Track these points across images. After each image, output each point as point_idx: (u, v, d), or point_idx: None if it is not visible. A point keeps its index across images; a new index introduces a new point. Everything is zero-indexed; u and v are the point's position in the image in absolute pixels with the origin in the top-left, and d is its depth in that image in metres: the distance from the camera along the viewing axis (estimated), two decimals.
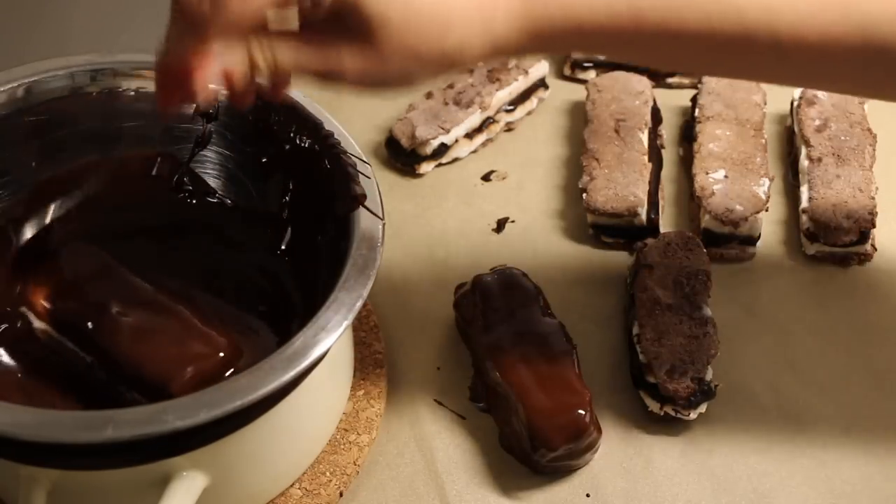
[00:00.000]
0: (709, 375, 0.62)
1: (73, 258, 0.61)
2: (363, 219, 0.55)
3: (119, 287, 0.59)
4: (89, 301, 0.58)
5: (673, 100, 0.82)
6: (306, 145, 0.60)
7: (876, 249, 0.72)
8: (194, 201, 0.65)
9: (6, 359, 0.57)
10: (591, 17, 0.49)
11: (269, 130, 0.61)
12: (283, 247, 0.62)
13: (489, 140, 0.80)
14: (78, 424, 0.47)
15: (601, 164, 0.73)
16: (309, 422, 0.58)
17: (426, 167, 0.78)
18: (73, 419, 0.47)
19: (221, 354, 0.56)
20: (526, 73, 0.80)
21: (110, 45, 0.84)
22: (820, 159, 0.73)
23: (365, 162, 0.58)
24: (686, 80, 0.83)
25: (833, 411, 0.64)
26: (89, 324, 0.57)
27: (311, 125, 0.59)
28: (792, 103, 0.79)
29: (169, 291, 0.59)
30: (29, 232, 0.62)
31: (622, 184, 0.72)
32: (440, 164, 0.78)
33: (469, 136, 0.78)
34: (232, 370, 0.56)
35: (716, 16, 0.49)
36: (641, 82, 0.79)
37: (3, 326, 0.58)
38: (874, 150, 0.74)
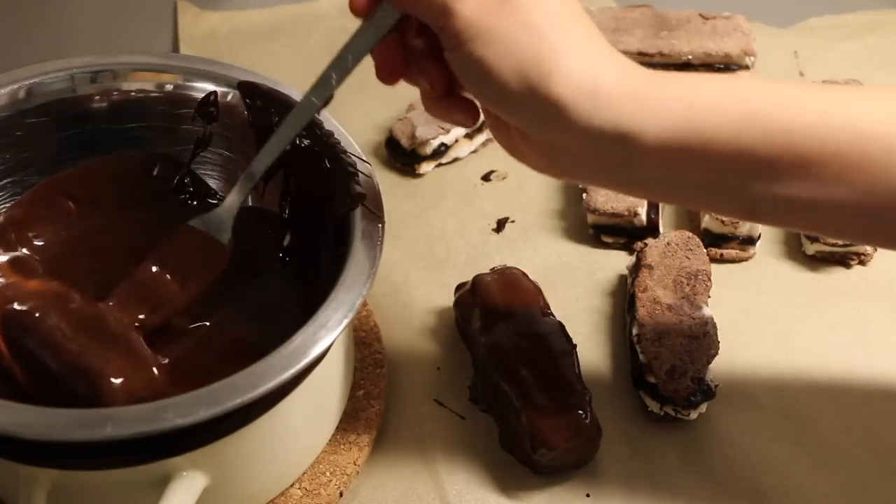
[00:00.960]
0: (709, 375, 0.62)
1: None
2: (363, 218, 0.55)
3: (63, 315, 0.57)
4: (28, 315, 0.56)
5: None
6: (306, 145, 0.60)
7: (876, 249, 0.72)
8: (195, 202, 0.65)
9: None
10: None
11: (269, 131, 0.61)
12: (283, 247, 0.62)
13: (489, 140, 0.80)
14: (77, 423, 0.47)
15: None
16: (309, 421, 0.58)
17: (426, 167, 0.78)
18: (72, 417, 0.47)
19: (151, 374, 0.55)
20: None
21: (110, 47, 0.84)
22: None
23: (365, 162, 0.58)
24: None
25: (833, 411, 0.64)
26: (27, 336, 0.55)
27: (310, 125, 0.59)
28: None
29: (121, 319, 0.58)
30: (29, 233, 0.62)
31: None
32: (440, 164, 0.78)
33: (469, 136, 0.78)
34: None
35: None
36: None
37: None
38: None
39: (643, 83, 0.47)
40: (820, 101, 0.47)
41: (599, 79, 0.46)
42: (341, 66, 0.52)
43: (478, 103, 0.52)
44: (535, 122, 0.48)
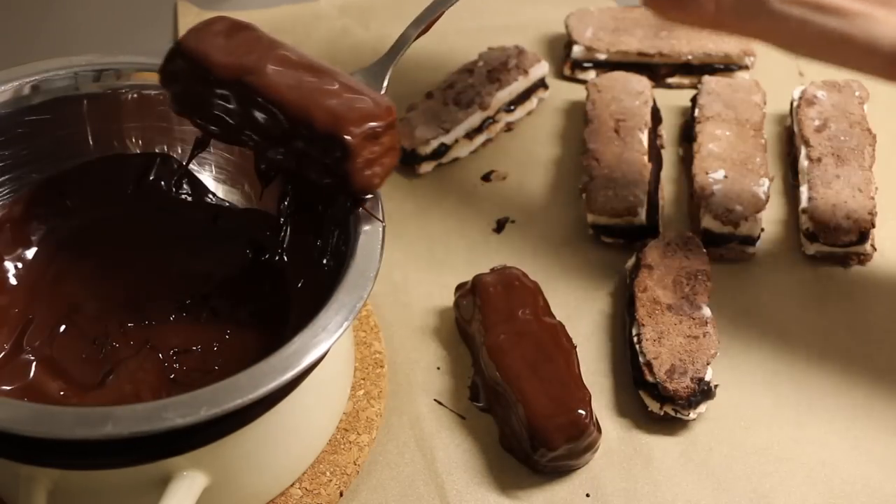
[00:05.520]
0: (709, 375, 0.63)
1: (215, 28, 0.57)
2: (363, 220, 0.55)
3: (274, 51, 0.56)
4: (245, 61, 0.55)
5: (673, 100, 0.82)
6: None
7: (876, 249, 0.72)
8: (193, 203, 0.65)
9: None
10: None
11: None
12: (283, 248, 0.62)
13: (489, 140, 0.80)
14: (77, 421, 0.47)
15: (601, 164, 0.73)
16: (309, 422, 0.58)
17: (426, 167, 0.78)
18: (72, 415, 0.47)
19: (387, 107, 0.55)
20: (526, 73, 0.80)
21: (111, 47, 0.84)
22: (819, 159, 0.73)
23: None
24: (686, 81, 0.83)
25: (833, 411, 0.64)
26: (248, 78, 0.55)
27: None
28: (792, 103, 0.79)
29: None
30: (27, 231, 0.62)
31: (622, 184, 0.72)
32: (440, 164, 0.78)
33: (469, 136, 0.78)
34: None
35: None
36: (641, 82, 0.79)
37: None
38: (874, 150, 0.74)
39: None
40: None
41: None
42: None
43: None
44: None
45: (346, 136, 0.53)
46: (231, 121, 0.56)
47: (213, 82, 0.56)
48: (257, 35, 0.57)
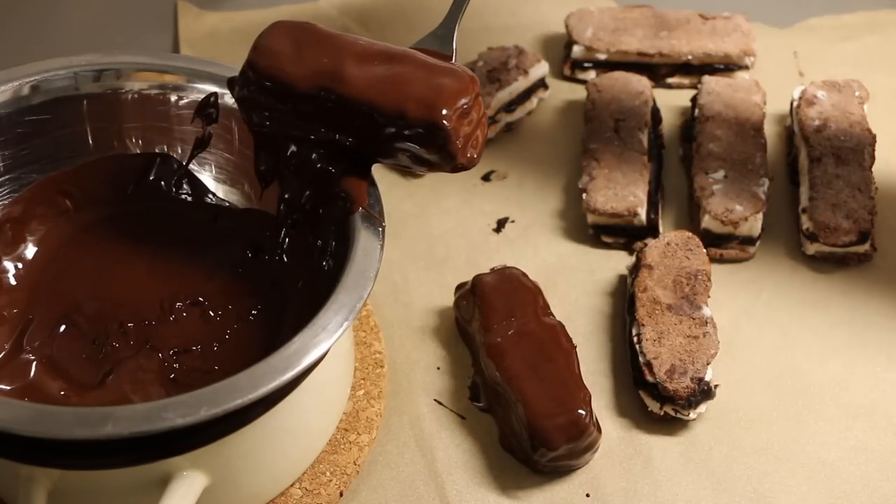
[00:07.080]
0: (709, 375, 0.63)
1: (280, 34, 0.57)
2: (363, 220, 0.55)
3: (343, 48, 0.56)
4: (321, 67, 0.55)
5: (673, 100, 0.82)
6: None
7: (876, 249, 0.72)
8: (193, 203, 0.65)
9: None
10: None
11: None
12: (282, 249, 0.62)
13: (489, 140, 0.80)
14: (77, 421, 0.47)
15: (601, 164, 0.73)
16: (309, 422, 0.58)
17: None
18: (72, 415, 0.47)
19: (471, 78, 0.54)
20: (526, 73, 0.80)
21: (110, 46, 0.84)
22: (819, 159, 0.73)
23: None
24: (686, 81, 0.83)
25: (833, 411, 0.64)
26: (332, 85, 0.54)
27: None
28: (791, 103, 0.79)
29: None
30: (27, 230, 0.62)
31: (622, 184, 0.72)
32: None
33: None
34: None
35: None
36: (641, 82, 0.79)
37: None
38: (874, 150, 0.74)
39: None
40: None
41: None
42: None
43: None
44: None
45: (444, 122, 0.53)
46: (320, 127, 0.56)
47: (295, 96, 0.55)
48: (318, 32, 0.56)
